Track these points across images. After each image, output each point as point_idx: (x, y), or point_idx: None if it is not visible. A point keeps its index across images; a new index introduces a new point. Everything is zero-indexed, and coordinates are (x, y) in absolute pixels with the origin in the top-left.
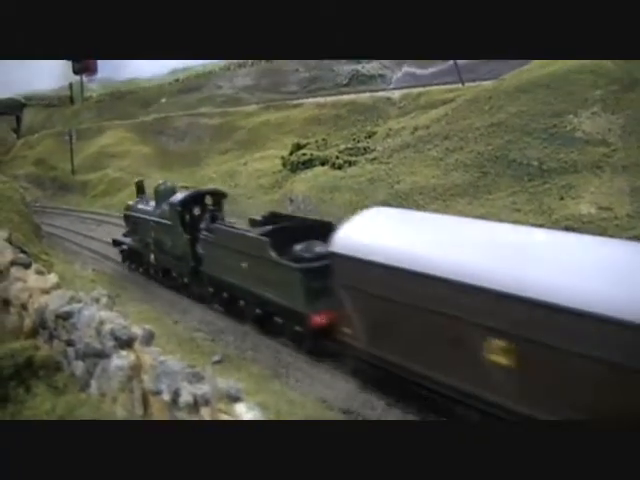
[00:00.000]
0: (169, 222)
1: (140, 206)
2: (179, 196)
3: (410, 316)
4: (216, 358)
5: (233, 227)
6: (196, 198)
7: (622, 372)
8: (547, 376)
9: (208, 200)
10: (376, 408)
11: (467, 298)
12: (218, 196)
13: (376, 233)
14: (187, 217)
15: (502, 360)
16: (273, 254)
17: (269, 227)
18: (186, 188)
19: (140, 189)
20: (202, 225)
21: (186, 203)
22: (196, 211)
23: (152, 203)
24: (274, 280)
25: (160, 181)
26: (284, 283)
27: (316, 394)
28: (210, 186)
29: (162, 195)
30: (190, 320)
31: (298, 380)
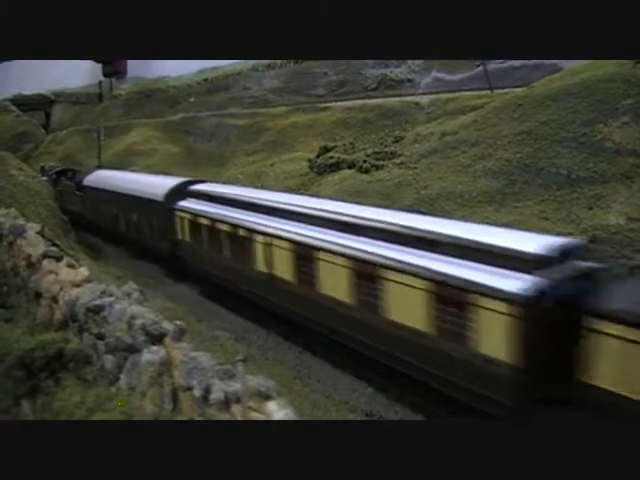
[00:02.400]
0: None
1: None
2: (54, 169)
3: (100, 206)
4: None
5: (66, 181)
6: (63, 171)
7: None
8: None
9: (70, 173)
10: (399, 411)
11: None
12: (75, 171)
13: (96, 178)
14: (58, 180)
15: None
16: (76, 190)
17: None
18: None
19: (42, 170)
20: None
21: (58, 173)
22: (63, 178)
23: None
24: (76, 201)
25: (51, 163)
26: (78, 201)
27: (339, 396)
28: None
29: (49, 170)
30: None
31: (320, 381)
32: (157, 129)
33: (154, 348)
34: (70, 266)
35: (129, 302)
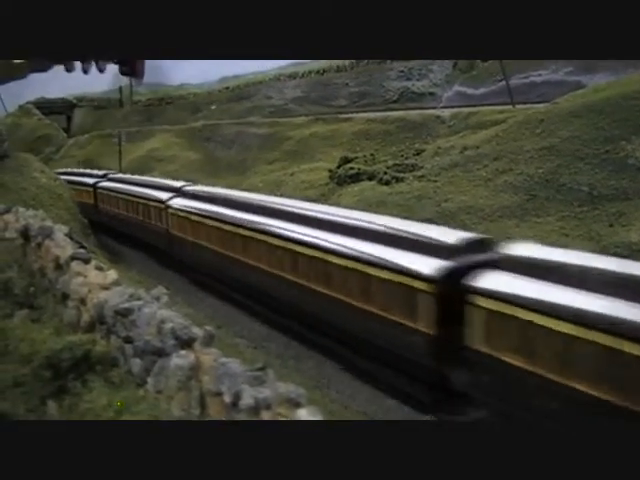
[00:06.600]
0: None
1: None
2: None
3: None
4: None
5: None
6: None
7: None
8: None
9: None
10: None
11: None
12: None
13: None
14: None
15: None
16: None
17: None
18: None
19: None
20: None
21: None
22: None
23: None
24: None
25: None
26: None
27: (357, 407)
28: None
29: None
30: None
31: (339, 392)
32: (178, 136)
33: (183, 352)
34: (98, 268)
35: (158, 306)
